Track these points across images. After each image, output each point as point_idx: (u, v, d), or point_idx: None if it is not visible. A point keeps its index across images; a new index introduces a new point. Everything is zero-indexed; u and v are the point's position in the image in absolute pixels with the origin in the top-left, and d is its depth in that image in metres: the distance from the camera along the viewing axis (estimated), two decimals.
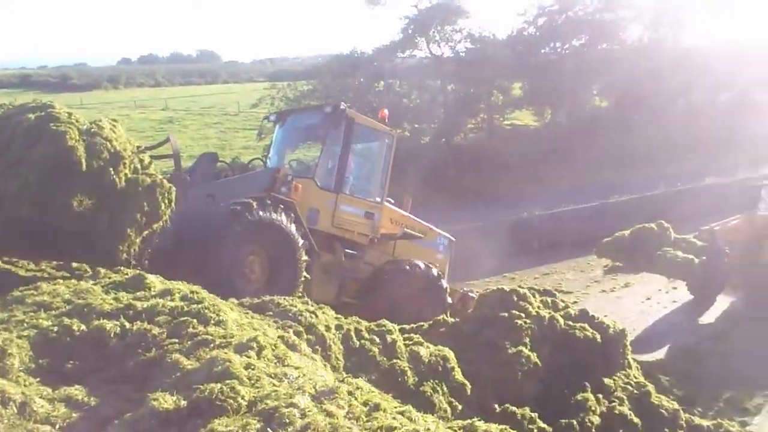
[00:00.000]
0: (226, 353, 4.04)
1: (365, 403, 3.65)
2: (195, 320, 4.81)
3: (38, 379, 4.20)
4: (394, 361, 7.94)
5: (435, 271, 12.01)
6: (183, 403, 3.46)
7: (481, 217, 26.95)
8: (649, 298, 18.80)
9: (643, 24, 41.55)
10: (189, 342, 4.44)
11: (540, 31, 39.95)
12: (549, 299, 10.40)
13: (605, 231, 20.87)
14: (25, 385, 4.05)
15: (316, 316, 7.68)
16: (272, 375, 3.88)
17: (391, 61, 37.82)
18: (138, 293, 5.59)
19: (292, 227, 9.66)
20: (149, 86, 79.08)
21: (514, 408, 8.38)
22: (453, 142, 36.83)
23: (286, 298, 8.10)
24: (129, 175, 7.78)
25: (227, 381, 3.59)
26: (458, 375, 8.32)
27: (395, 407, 3.68)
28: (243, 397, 3.48)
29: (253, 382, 3.73)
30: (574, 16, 39.89)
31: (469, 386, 8.30)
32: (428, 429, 3.06)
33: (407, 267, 11.73)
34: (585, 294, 19.79)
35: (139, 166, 8.09)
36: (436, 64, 37.98)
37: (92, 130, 7.63)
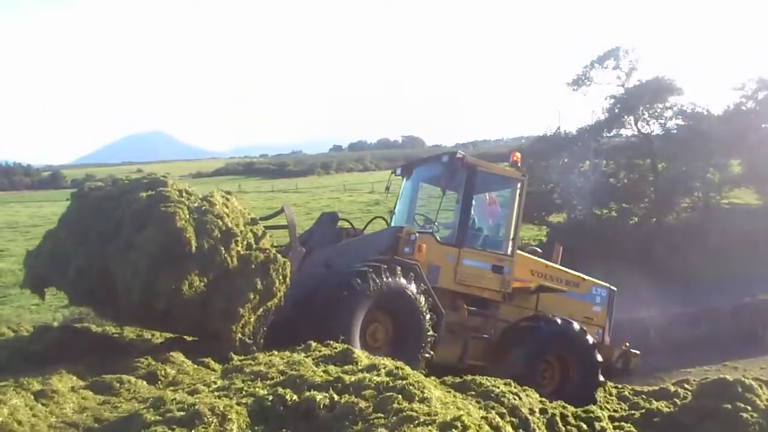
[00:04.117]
0: (430, 431, 3.99)
1: None
2: (400, 396, 4.82)
3: None
4: None
5: (578, 326, 10.79)
6: None
7: (697, 300, 25.14)
8: None
9: None
10: (394, 417, 4.45)
11: (760, 106, 37.27)
12: None
13: None
14: None
15: (520, 398, 7.49)
16: None
17: (597, 140, 36.87)
18: (346, 367, 5.73)
19: (415, 291, 9.17)
20: (358, 171, 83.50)
21: None
22: (665, 222, 34.88)
23: (489, 378, 7.95)
24: (242, 252, 7.55)
25: None
26: None
27: None
28: None
29: None
30: None
31: None
32: None
33: (544, 323, 10.67)
34: None
35: (252, 240, 7.85)
36: (645, 143, 36.44)
37: (203, 207, 7.47)
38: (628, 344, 12.38)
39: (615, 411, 10.55)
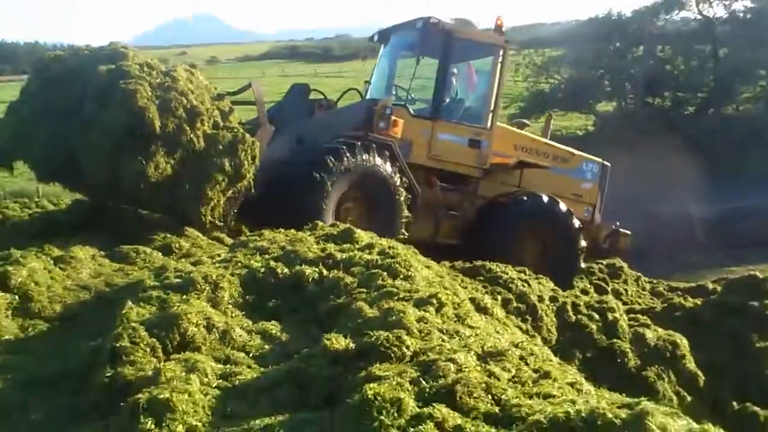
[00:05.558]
0: (403, 305, 4.15)
1: (536, 370, 3.56)
2: (385, 273, 4.99)
3: (243, 313, 4.70)
4: (614, 340, 7.65)
5: (564, 206, 10.33)
6: (352, 345, 3.64)
7: (751, 196, 24.38)
8: None
9: None
10: (375, 292, 4.63)
11: None
12: None
13: None
14: (231, 316, 4.55)
15: (529, 285, 7.63)
16: (444, 331, 3.93)
17: (653, 23, 34.98)
18: (344, 245, 5.89)
19: (390, 170, 8.86)
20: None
21: (756, 408, 7.62)
22: (723, 113, 33.46)
23: (499, 265, 8.04)
24: (208, 131, 7.24)
25: (396, 330, 3.69)
26: (689, 364, 7.80)
27: (569, 378, 3.53)
28: (408, 347, 3.56)
29: (423, 335, 3.81)
30: None
31: (703, 378, 7.72)
32: (590, 403, 2.85)
33: (522, 199, 10.17)
34: None
35: (219, 118, 7.51)
36: (706, 27, 34.41)
37: (166, 83, 7.07)
38: (618, 224, 12.07)
39: (640, 305, 10.51)
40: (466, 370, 3.23)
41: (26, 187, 20.83)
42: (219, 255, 6.09)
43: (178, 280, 4.84)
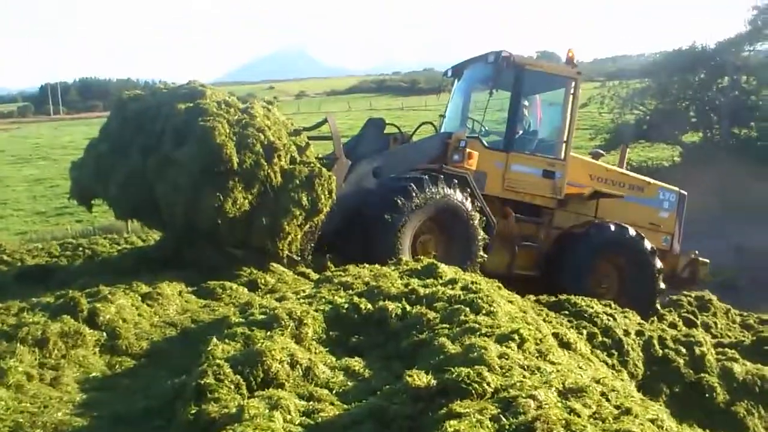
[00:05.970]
0: (485, 341, 4.16)
1: (617, 407, 3.52)
2: (468, 309, 5.01)
3: (327, 349, 4.76)
4: (702, 375, 7.49)
5: (633, 231, 10.24)
6: (433, 382, 3.66)
7: None
8: None
9: None
10: (458, 328, 4.65)
11: None
12: None
13: None
14: (315, 353, 4.62)
15: (614, 319, 7.55)
16: (525, 367, 3.91)
17: (737, 55, 34.30)
18: (427, 280, 5.95)
19: (461, 199, 8.86)
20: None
21: None
22: None
23: (584, 299, 7.98)
24: (285, 167, 7.29)
25: (477, 367, 3.71)
26: None
27: (650, 414, 3.49)
28: (489, 384, 3.56)
29: (504, 371, 3.81)
30: None
31: None
32: None
33: (594, 229, 10.15)
34: None
35: (295, 153, 7.55)
36: None
37: (243, 120, 7.15)
38: (696, 252, 11.82)
39: (730, 338, 10.26)
40: (546, 406, 3.23)
41: (115, 223, 21.64)
42: (304, 290, 6.21)
43: (262, 316, 4.96)
